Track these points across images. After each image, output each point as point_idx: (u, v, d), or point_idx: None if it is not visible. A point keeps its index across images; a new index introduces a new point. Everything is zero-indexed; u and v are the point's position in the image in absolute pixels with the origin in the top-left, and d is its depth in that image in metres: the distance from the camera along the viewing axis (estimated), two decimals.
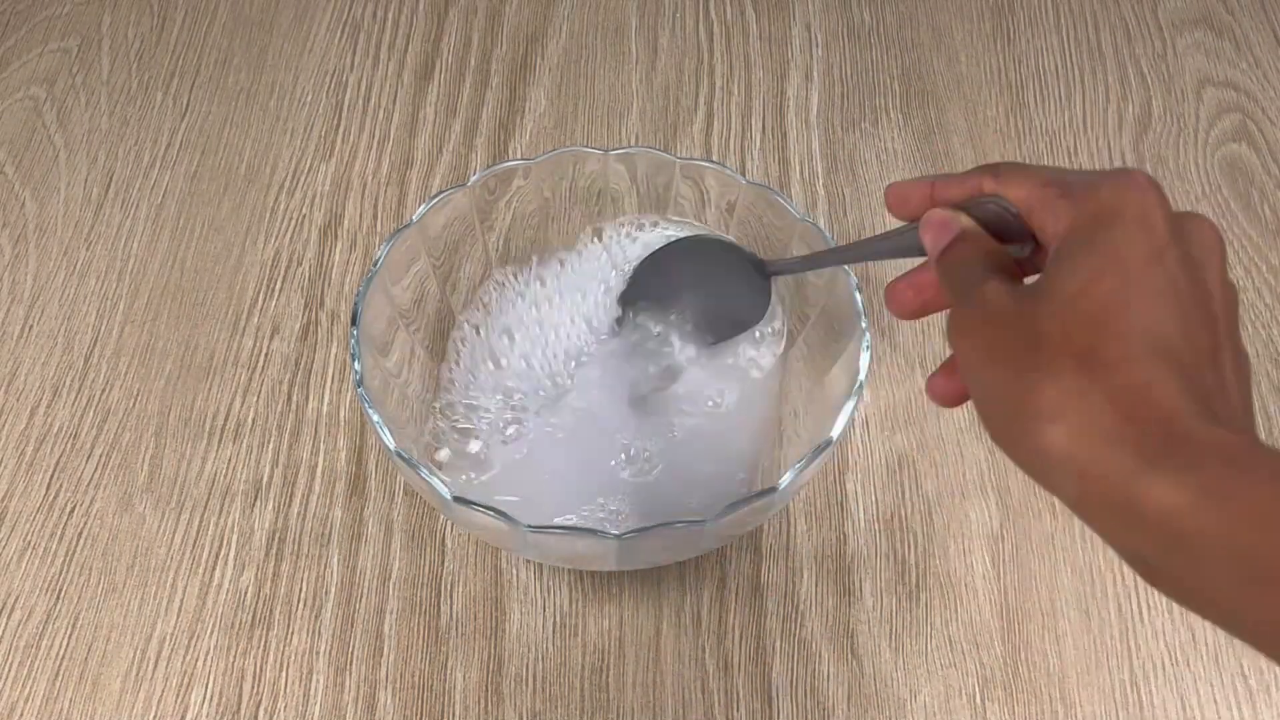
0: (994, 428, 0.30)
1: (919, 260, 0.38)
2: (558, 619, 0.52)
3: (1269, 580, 0.25)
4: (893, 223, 0.43)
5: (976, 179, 0.35)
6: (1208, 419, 0.27)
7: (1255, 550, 0.25)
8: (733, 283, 0.53)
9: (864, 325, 0.48)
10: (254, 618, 0.52)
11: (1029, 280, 0.33)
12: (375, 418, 0.46)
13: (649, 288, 0.55)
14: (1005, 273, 0.33)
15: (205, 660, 0.51)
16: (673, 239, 0.56)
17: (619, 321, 0.55)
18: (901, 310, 0.38)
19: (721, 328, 0.54)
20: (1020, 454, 0.29)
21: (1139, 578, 0.29)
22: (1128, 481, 0.26)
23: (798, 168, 0.69)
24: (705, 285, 0.54)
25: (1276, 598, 0.25)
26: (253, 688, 0.50)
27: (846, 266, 0.50)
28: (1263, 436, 0.57)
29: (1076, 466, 0.27)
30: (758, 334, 0.55)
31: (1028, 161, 0.35)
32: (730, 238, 0.55)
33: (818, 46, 0.75)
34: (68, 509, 0.55)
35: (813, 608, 0.52)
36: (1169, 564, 0.26)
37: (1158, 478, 0.26)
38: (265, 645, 0.51)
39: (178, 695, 0.50)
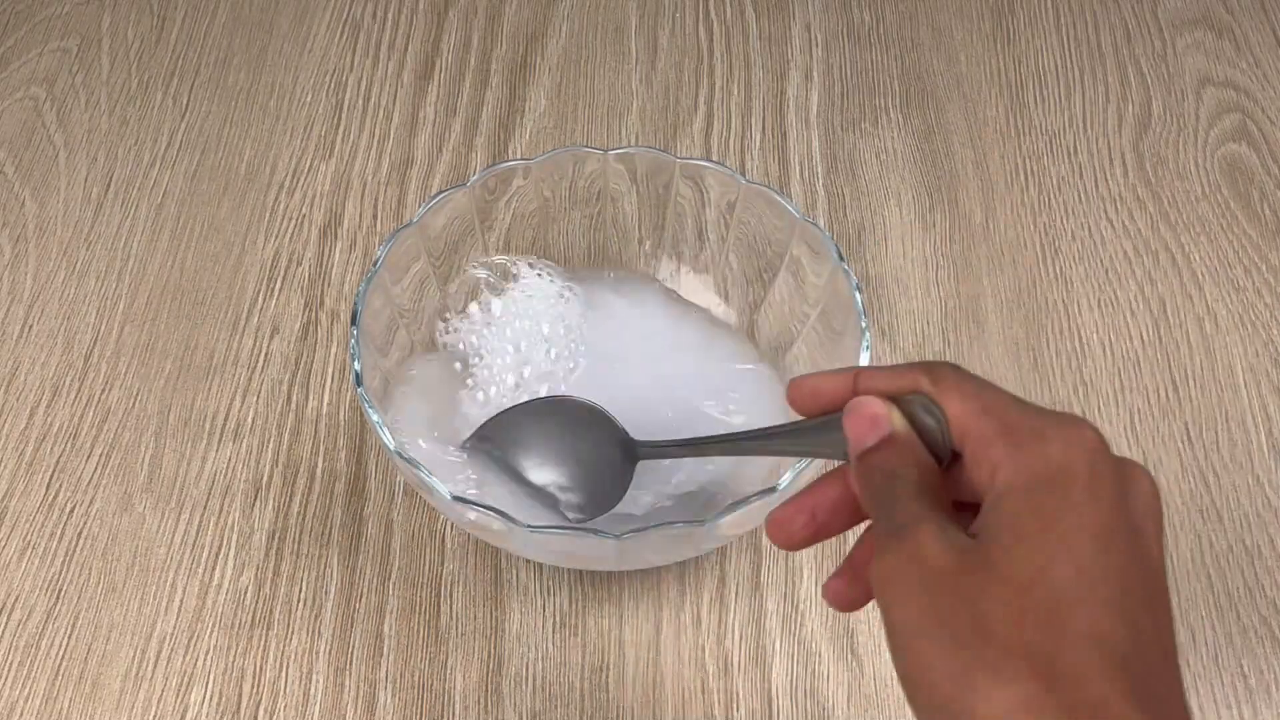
0: (924, 705, 0.27)
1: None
2: (558, 619, 0.52)
3: None
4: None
5: (912, 376, 0.31)
6: None
7: None
8: (595, 459, 0.49)
9: (864, 325, 0.48)
10: (254, 618, 0.52)
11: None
12: (375, 418, 0.46)
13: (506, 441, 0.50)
14: (938, 501, 0.30)
15: (205, 660, 0.51)
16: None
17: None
18: (789, 540, 0.34)
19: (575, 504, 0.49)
20: None
21: None
22: None
23: (798, 168, 0.69)
24: (568, 455, 0.49)
25: None
26: (253, 688, 0.50)
27: (845, 267, 0.50)
28: (1262, 436, 0.57)
29: None
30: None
31: (961, 366, 0.32)
32: (600, 406, 0.49)
33: (818, 46, 0.75)
34: (68, 509, 0.55)
35: (813, 608, 0.52)
36: None
37: None
38: (265, 645, 0.51)
39: (178, 695, 0.50)
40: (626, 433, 0.48)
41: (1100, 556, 0.27)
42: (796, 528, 0.34)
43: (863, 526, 0.34)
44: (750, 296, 0.57)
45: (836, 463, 0.35)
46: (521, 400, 0.52)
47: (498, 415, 0.51)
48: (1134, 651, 0.26)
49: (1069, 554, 0.26)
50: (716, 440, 0.44)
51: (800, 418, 0.36)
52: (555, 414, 0.50)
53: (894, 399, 0.32)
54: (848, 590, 0.34)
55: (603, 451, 0.49)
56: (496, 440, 0.51)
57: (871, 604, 0.32)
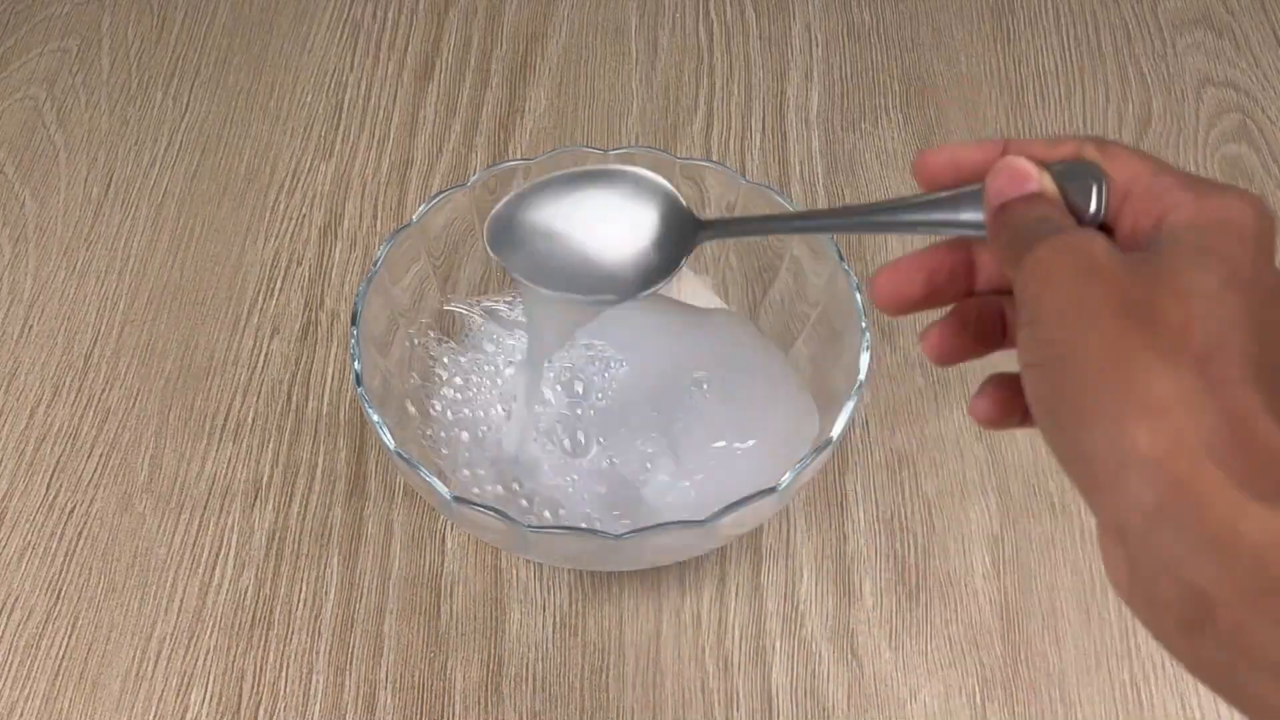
0: (1057, 389, 0.26)
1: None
2: (558, 619, 0.52)
3: None
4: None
5: (1075, 144, 0.30)
6: None
7: None
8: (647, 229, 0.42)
9: (864, 325, 0.48)
10: (254, 618, 0.52)
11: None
12: (375, 418, 0.46)
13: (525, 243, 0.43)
14: None
15: (205, 660, 0.51)
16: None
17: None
18: (898, 296, 0.32)
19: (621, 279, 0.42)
20: (1093, 438, 0.25)
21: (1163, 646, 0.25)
22: (1229, 506, 0.22)
23: (798, 168, 0.69)
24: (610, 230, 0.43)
25: None
26: (253, 688, 0.50)
27: (845, 267, 0.50)
28: None
29: (1170, 474, 0.23)
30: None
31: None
32: (653, 176, 0.43)
33: (818, 46, 0.75)
34: (68, 509, 0.55)
35: (813, 608, 0.52)
36: (1244, 612, 0.22)
37: (1266, 510, 0.22)
38: (265, 645, 0.51)
39: (178, 695, 0.50)
40: (687, 206, 0.42)
41: (1274, 302, 0.26)
42: (913, 284, 0.32)
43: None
44: (750, 296, 0.57)
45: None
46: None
47: (521, 192, 0.43)
48: None
49: (1246, 288, 0.26)
50: (801, 216, 0.39)
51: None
52: (593, 184, 0.43)
53: (1048, 167, 0.30)
54: (952, 340, 0.32)
55: (655, 223, 0.42)
56: (522, 220, 0.43)
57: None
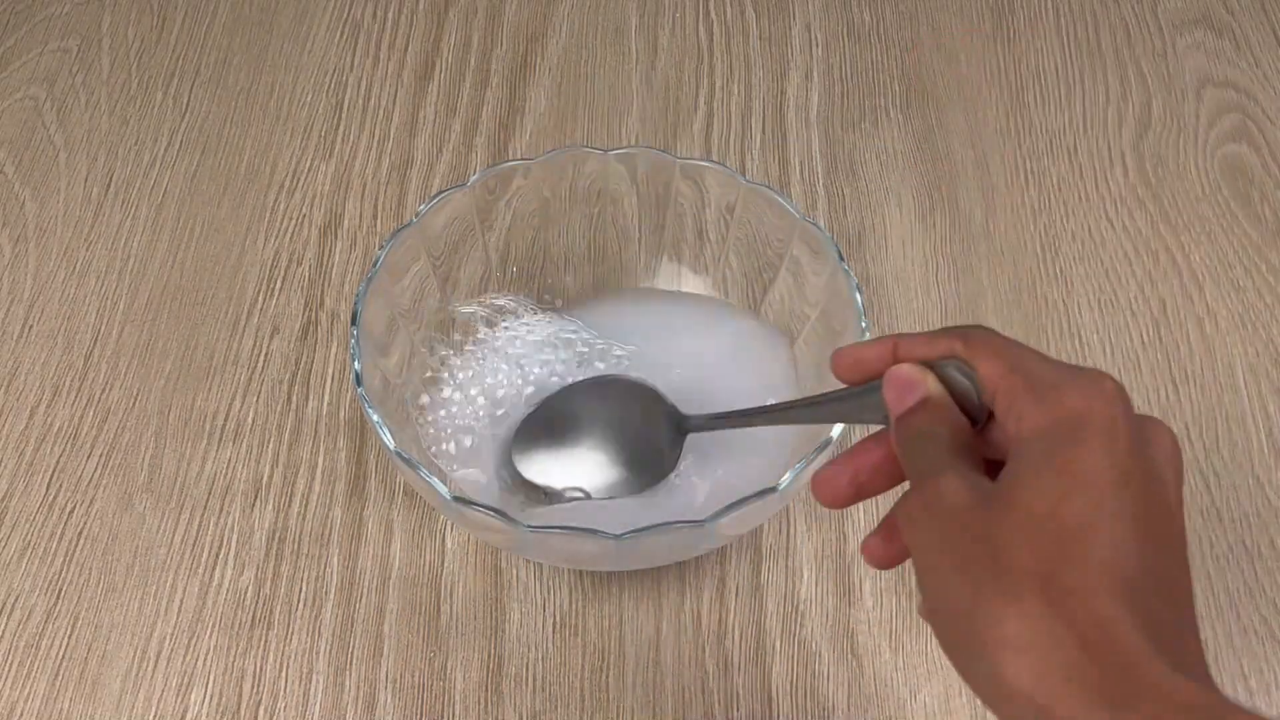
0: (945, 637, 0.29)
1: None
2: (558, 619, 0.52)
3: None
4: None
5: (946, 341, 0.33)
6: (1169, 664, 0.25)
7: None
8: (644, 433, 0.51)
9: (864, 325, 0.48)
10: (254, 618, 0.52)
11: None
12: (375, 418, 0.46)
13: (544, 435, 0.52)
14: (968, 456, 0.31)
15: (205, 660, 0.51)
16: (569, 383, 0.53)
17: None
18: (834, 499, 0.35)
19: (628, 478, 0.51)
20: (974, 677, 0.28)
21: None
22: None
23: (798, 168, 0.69)
24: (613, 435, 0.51)
25: None
26: (253, 688, 0.50)
27: (845, 267, 0.50)
28: (1263, 436, 0.57)
29: (1037, 704, 0.25)
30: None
31: (994, 329, 0.33)
32: (647, 382, 0.52)
33: (818, 46, 0.75)
34: (68, 509, 0.55)
35: (813, 608, 0.52)
36: None
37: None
38: (265, 645, 0.51)
39: (178, 695, 0.50)
40: (676, 408, 0.50)
41: (1116, 494, 0.28)
42: (840, 485, 0.35)
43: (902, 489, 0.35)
44: (750, 297, 0.57)
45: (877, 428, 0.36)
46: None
47: (543, 402, 0.53)
48: (1144, 582, 0.27)
49: (1084, 491, 0.28)
50: (763, 411, 0.45)
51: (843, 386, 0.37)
52: (602, 393, 0.52)
53: (930, 364, 0.34)
54: (883, 547, 0.35)
55: (653, 427, 0.51)
56: (541, 427, 0.52)
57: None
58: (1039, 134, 0.70)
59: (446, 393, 0.54)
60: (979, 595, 0.27)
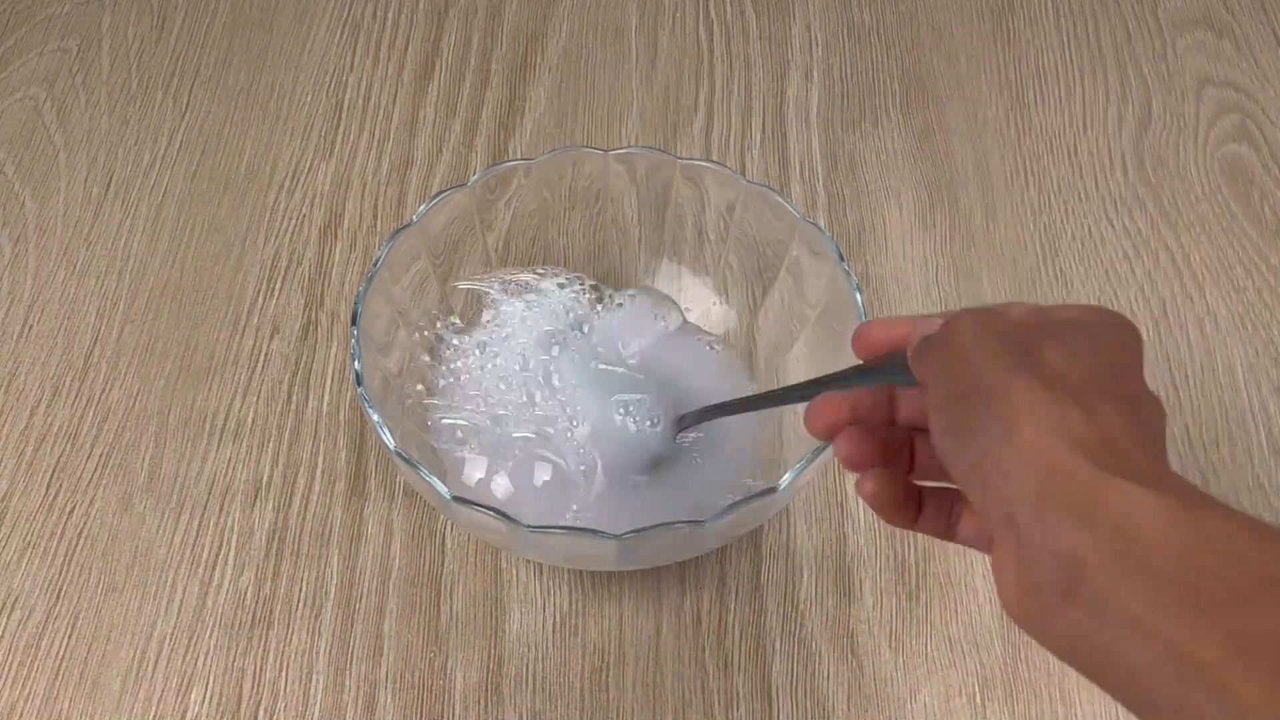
0: (962, 421, 0.30)
1: None
2: (558, 619, 0.52)
3: (1211, 609, 0.24)
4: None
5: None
6: (1157, 464, 0.28)
7: (1209, 573, 0.25)
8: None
9: None
10: (254, 618, 0.52)
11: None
12: (375, 418, 0.46)
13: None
14: None
15: (205, 660, 0.51)
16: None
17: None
18: (828, 427, 0.38)
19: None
20: (986, 444, 0.29)
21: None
22: (1096, 483, 0.27)
23: (798, 168, 0.69)
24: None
25: (1209, 630, 0.24)
26: (253, 688, 0.50)
27: (846, 267, 0.50)
28: (1263, 436, 0.57)
29: (1049, 461, 0.27)
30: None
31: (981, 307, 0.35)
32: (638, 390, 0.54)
33: (818, 46, 0.75)
34: (68, 509, 0.55)
35: (813, 608, 0.52)
36: (1108, 571, 0.26)
37: (1124, 483, 0.26)
38: (265, 645, 0.51)
39: (178, 695, 0.50)
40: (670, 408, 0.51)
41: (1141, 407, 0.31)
42: (840, 413, 0.37)
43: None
44: (750, 297, 0.57)
45: None
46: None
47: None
48: (1136, 413, 0.30)
49: (1116, 375, 0.31)
50: (765, 396, 0.44)
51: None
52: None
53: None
54: (862, 444, 0.37)
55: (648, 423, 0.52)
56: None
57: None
58: (1039, 134, 0.70)
59: (447, 387, 0.54)
60: (1016, 374, 0.29)
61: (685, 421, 0.51)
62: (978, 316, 0.32)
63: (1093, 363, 0.30)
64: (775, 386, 0.51)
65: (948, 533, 0.37)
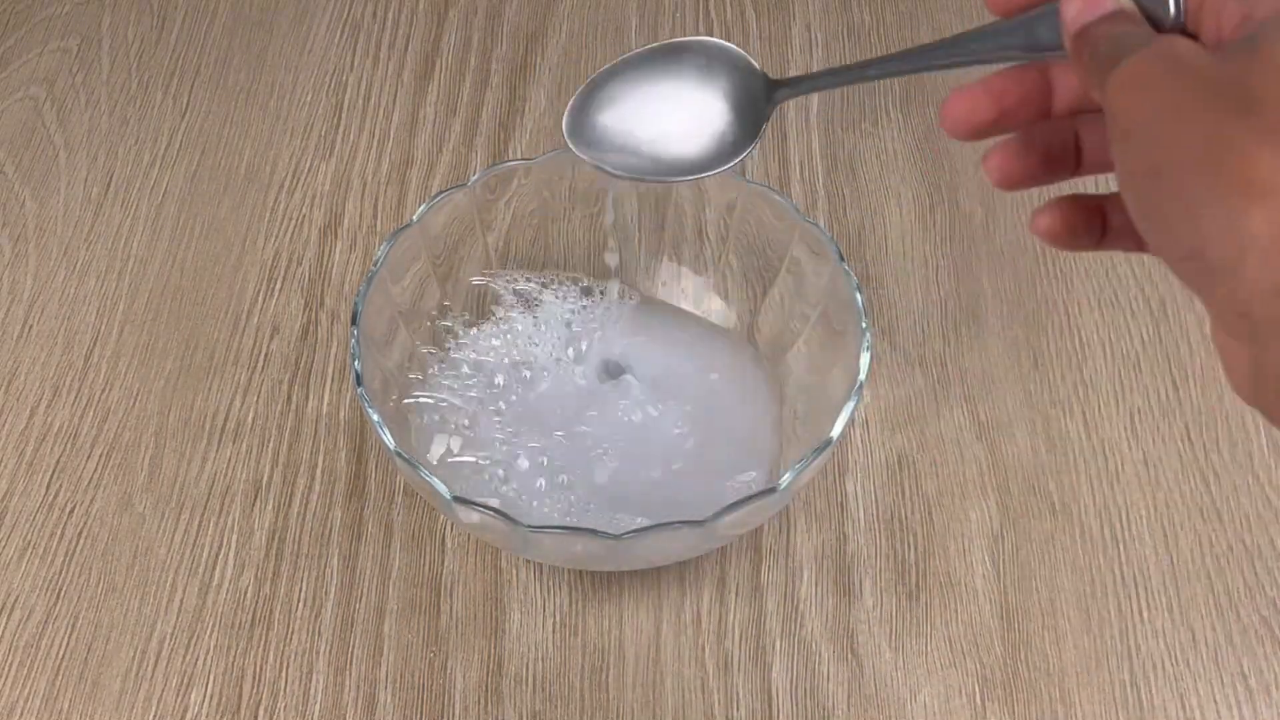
0: (1168, 199, 0.25)
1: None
2: (558, 619, 0.52)
3: None
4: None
5: None
6: None
7: None
8: (716, 106, 0.44)
9: (864, 325, 0.48)
10: (254, 617, 0.52)
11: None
12: (375, 418, 0.46)
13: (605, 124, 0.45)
14: None
15: (205, 660, 0.51)
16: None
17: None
18: (969, 125, 0.32)
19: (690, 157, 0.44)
20: (1205, 230, 0.24)
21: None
22: None
23: (798, 168, 0.69)
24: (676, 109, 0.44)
25: None
26: (253, 688, 0.50)
27: (845, 267, 0.50)
28: (1263, 436, 0.57)
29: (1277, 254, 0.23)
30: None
31: None
32: (727, 45, 0.44)
33: (818, 46, 0.75)
34: (68, 509, 0.55)
35: (813, 608, 0.52)
36: None
37: None
38: (265, 645, 0.51)
39: (178, 695, 0.50)
40: (761, 72, 0.42)
41: None
42: (982, 106, 0.32)
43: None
44: (750, 296, 0.57)
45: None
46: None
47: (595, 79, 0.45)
48: None
49: None
50: (880, 61, 0.37)
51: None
52: (664, 61, 0.45)
53: None
54: (1017, 161, 0.32)
55: (729, 96, 0.43)
56: (597, 109, 0.45)
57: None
58: None
59: (446, 384, 0.54)
60: (1226, 139, 0.24)
61: (783, 93, 0.42)
62: (1163, 62, 0.27)
63: None
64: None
65: (1141, 245, 0.31)
